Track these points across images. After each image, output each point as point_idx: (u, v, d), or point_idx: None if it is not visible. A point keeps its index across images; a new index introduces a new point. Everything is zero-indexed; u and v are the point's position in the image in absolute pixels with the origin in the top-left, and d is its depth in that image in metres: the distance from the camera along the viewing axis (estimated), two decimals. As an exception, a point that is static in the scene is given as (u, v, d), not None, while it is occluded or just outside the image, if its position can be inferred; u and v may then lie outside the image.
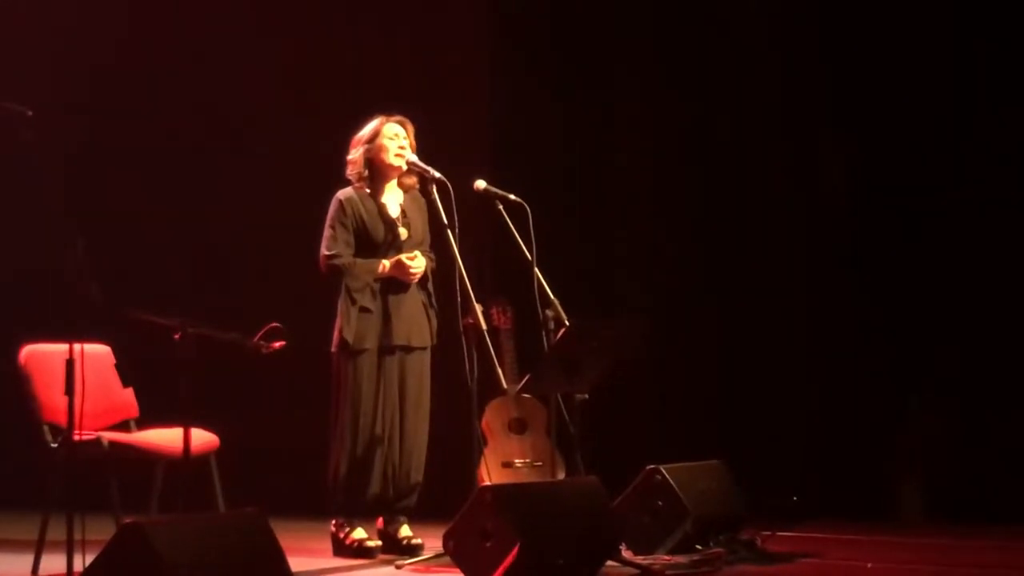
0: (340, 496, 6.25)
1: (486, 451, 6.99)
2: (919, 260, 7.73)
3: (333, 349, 6.28)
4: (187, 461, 5.53)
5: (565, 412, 6.17)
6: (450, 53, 8.27)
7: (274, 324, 5.68)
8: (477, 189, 6.23)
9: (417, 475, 6.32)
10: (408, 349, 6.30)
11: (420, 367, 6.35)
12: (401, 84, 8.02)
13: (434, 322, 6.39)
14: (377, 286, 6.26)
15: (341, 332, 6.23)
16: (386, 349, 6.25)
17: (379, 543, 6.30)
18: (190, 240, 8.35)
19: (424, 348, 6.36)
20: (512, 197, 6.17)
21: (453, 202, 6.09)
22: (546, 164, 8.09)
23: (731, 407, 7.82)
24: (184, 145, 8.42)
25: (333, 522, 6.35)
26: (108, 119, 8.43)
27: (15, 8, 8.51)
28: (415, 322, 6.32)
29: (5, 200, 8.11)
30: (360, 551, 6.24)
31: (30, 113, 5.14)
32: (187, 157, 8.41)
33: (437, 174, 6.21)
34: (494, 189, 6.22)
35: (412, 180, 6.41)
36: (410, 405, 6.30)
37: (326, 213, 6.34)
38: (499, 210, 6.15)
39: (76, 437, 5.25)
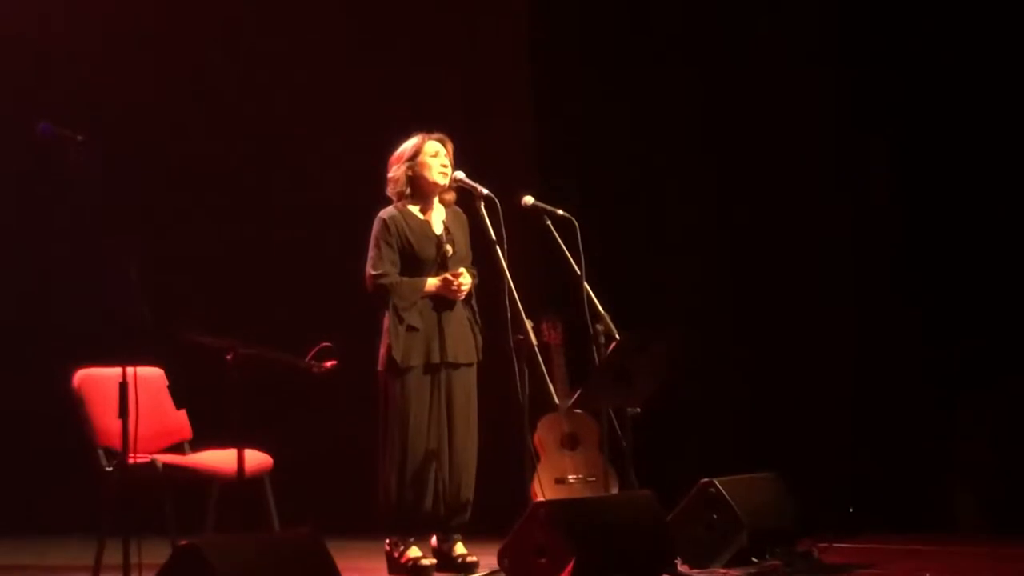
0: (393, 514, 6.25)
1: (539, 467, 6.97)
2: (971, 268, 7.68)
3: (380, 368, 6.29)
4: (241, 482, 5.53)
5: (617, 426, 6.13)
6: (494, 66, 8.27)
7: (325, 344, 5.68)
8: (525, 205, 6.22)
9: (468, 492, 6.32)
10: (455, 366, 6.32)
11: (467, 384, 6.36)
12: (446, 99, 8.04)
13: (479, 338, 6.40)
14: (424, 304, 6.28)
15: (389, 351, 6.23)
16: (433, 366, 6.27)
17: (434, 561, 6.30)
18: (240, 261, 8.35)
19: (470, 365, 6.37)
20: (560, 212, 6.17)
21: (501, 218, 6.08)
22: (593, 178, 8.07)
23: (785, 419, 7.76)
24: (233, 167, 8.44)
25: (387, 540, 6.36)
26: (152, 141, 8.46)
27: (56, 30, 8.58)
28: (461, 339, 6.34)
29: (57, 224, 8.18)
30: (415, 569, 6.23)
31: (80, 138, 5.18)
32: (236, 179, 8.44)
33: (485, 191, 6.21)
34: (542, 204, 6.21)
35: (451, 196, 6.44)
36: (458, 422, 6.30)
37: (371, 232, 6.36)
38: (547, 225, 6.15)
39: (130, 460, 5.28)
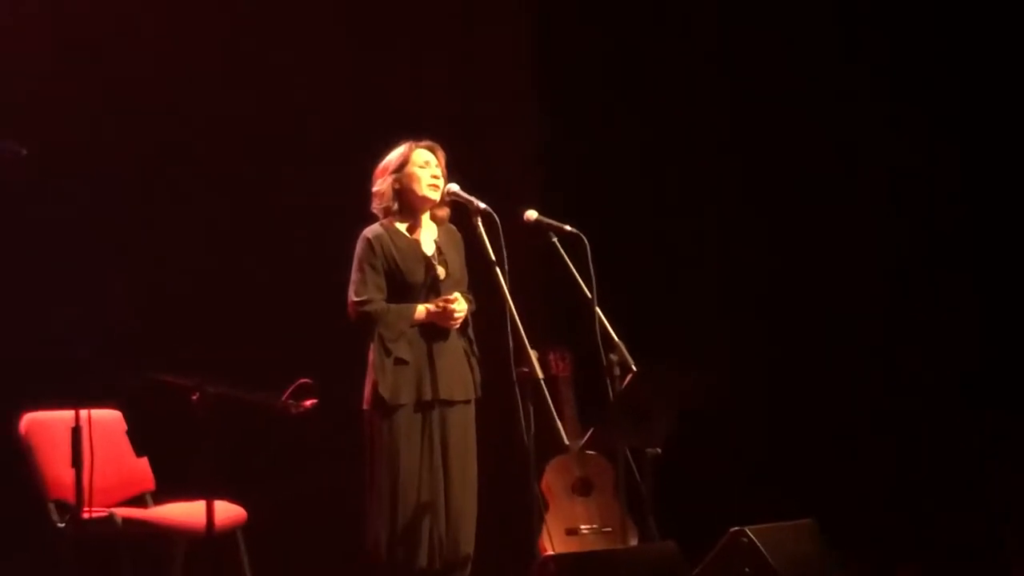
0: (383, 572, 6.17)
1: (547, 517, 7.01)
2: (1007, 298, 7.77)
3: (366, 407, 6.22)
4: (211, 537, 5.52)
5: (635, 469, 6.09)
6: (493, 65, 8.33)
7: (304, 380, 5.67)
8: (528, 220, 6.17)
9: (467, 546, 6.23)
10: (450, 403, 6.24)
11: (464, 423, 6.28)
12: (441, 105, 8.05)
13: (477, 372, 6.35)
14: (414, 334, 6.21)
15: (375, 387, 6.16)
16: (425, 404, 6.19)
17: (430, 624, 6.27)
18: (207, 289, 8.16)
19: (467, 402, 6.31)
20: (568, 228, 6.12)
21: (501, 235, 6.02)
22: (604, 188, 8.10)
23: (822, 458, 7.80)
24: (198, 179, 8.29)
25: (377, 601, 6.34)
26: (115, 157, 8.29)
27: (24, 36, 8.49)
28: (456, 373, 6.27)
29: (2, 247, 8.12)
30: (409, 634, 6.21)
31: (24, 152, 5.23)
32: (202, 195, 8.31)
33: (482, 204, 6.14)
34: (547, 220, 6.16)
35: (444, 212, 6.41)
36: (455, 467, 6.22)
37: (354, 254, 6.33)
38: (553, 243, 6.10)
39: (86, 515, 5.38)
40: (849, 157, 8.06)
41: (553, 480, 7.21)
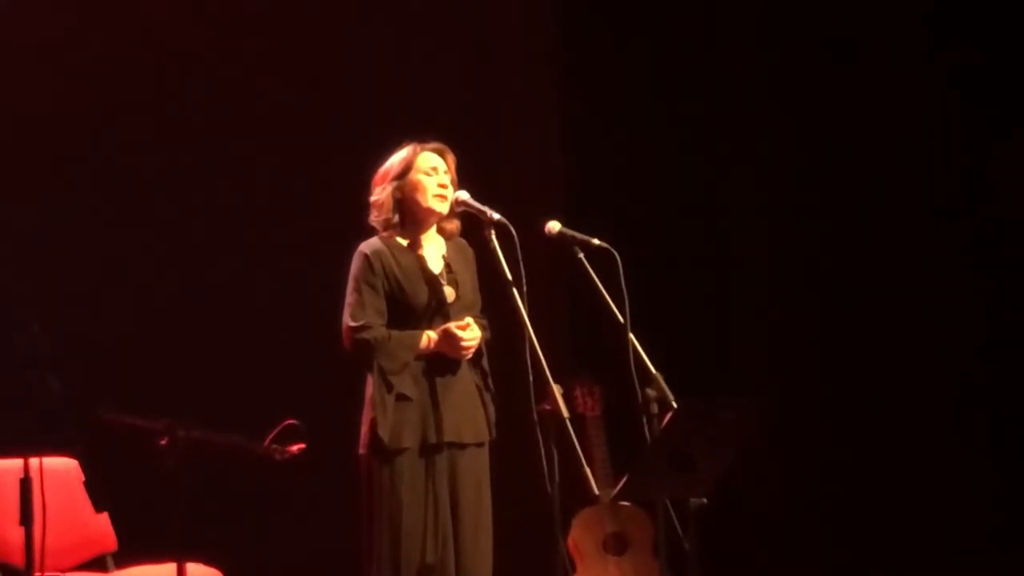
0: (382, 644, 6.15)
1: None
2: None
3: (362, 451, 6.14)
4: (183, 606, 5.54)
5: (677, 523, 5.97)
6: (511, 60, 8.41)
7: (290, 421, 5.66)
8: (550, 233, 6.08)
9: (480, 613, 6.24)
10: (460, 447, 6.15)
11: (476, 469, 6.19)
12: (451, 101, 8.09)
13: (492, 410, 6.26)
14: (418, 366, 6.13)
15: (373, 428, 6.06)
16: (432, 447, 6.11)
17: None
18: (178, 315, 8.18)
19: (480, 445, 6.21)
20: (596, 242, 6.03)
21: (519, 251, 5.94)
22: (638, 199, 8.18)
23: (891, 508, 7.81)
24: (168, 188, 8.31)
25: None
26: (73, 171, 8.28)
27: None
28: (467, 412, 6.18)
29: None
30: None
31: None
32: (173, 205, 8.30)
33: (496, 215, 6.05)
34: (572, 232, 6.07)
35: (454, 224, 6.33)
36: (466, 521, 6.13)
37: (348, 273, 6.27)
38: (580, 260, 6.02)
39: None
40: (916, 167, 8.17)
41: (581, 536, 7.21)
